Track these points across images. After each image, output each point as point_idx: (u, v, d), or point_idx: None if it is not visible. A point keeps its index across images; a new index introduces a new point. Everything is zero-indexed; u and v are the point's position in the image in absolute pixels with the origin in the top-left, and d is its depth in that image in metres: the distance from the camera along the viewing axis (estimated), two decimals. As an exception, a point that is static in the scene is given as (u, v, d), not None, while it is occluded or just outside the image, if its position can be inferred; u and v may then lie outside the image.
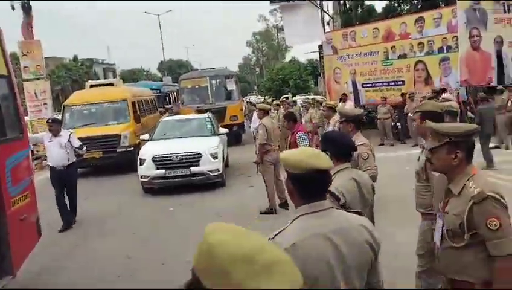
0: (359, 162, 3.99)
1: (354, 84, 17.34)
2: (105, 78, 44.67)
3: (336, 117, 7.93)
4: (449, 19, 14.51)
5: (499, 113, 12.32)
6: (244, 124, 18.91)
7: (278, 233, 1.79)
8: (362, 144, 4.09)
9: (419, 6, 23.18)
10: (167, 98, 23.42)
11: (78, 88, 19.62)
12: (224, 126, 12.47)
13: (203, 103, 16.87)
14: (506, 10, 14.28)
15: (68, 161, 7.55)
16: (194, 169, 9.05)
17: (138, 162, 9.31)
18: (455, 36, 14.16)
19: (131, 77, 51.00)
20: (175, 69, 63.97)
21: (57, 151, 7.48)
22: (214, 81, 18.21)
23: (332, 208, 1.92)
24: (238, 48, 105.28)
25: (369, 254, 1.84)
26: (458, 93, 14.16)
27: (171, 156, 9.02)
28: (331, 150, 2.74)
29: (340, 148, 2.97)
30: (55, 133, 7.52)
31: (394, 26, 16.25)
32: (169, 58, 63.31)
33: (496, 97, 12.89)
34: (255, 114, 12.90)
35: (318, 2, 19.28)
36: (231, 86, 17.97)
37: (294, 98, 25.08)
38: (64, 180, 7.59)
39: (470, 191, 2.31)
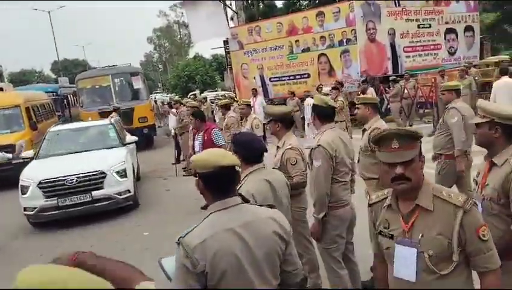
0: (287, 167, 3.39)
1: (262, 78, 16.15)
2: None
3: (253, 115, 6.98)
4: (347, 13, 13.93)
5: (394, 100, 12.06)
6: (156, 125, 16.07)
7: (189, 232, 1.72)
8: (290, 148, 3.45)
9: (316, 1, 22.71)
10: (65, 101, 19.34)
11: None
12: (133, 129, 10.09)
13: (106, 105, 13.57)
14: (397, 4, 14.10)
15: None
16: (96, 193, 6.43)
17: (19, 190, 6.43)
18: (353, 29, 13.70)
19: (21, 79, 42.94)
20: (71, 69, 54.65)
21: None
22: (117, 80, 14.85)
23: (242, 203, 1.84)
24: (138, 46, 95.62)
25: (277, 243, 1.80)
26: (359, 84, 13.59)
27: (64, 180, 6.31)
28: (241, 152, 2.58)
29: (250, 151, 2.68)
30: None
31: (297, 20, 15.28)
32: (64, 57, 54.80)
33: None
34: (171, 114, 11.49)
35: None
36: (138, 84, 14.64)
37: (203, 95, 23.09)
38: None
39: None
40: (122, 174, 6.80)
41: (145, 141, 13.61)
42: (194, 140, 5.70)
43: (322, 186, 3.23)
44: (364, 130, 4.00)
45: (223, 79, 41.75)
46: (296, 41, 15.11)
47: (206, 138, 5.44)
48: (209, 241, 1.68)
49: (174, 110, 11.45)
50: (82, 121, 10.99)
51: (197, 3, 16.08)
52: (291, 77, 15.44)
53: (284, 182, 2.85)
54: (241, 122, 7.13)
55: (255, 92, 13.65)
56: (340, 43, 14.20)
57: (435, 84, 11.27)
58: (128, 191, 6.84)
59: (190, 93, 28.18)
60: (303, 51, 15.03)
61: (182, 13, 60.90)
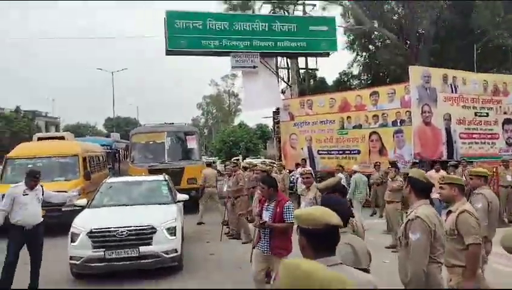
0: None
1: (310, 150, 16.03)
2: (47, 132, 38.19)
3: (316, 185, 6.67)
4: (402, 95, 13.81)
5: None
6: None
7: None
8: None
9: (369, 82, 23.08)
10: (117, 155, 19.81)
11: (18, 141, 15.73)
12: (180, 190, 9.33)
13: (157, 162, 13.52)
14: (454, 90, 13.90)
15: (42, 218, 6.05)
16: (143, 249, 6.10)
17: (69, 238, 6.24)
18: (408, 111, 13.45)
19: (76, 131, 45.12)
20: (122, 126, 57.88)
21: (34, 207, 5.88)
22: (171, 138, 14.46)
23: (342, 263, 1.87)
24: (187, 110, 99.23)
25: None
26: (397, 164, 13.09)
27: (114, 231, 6.10)
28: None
29: (340, 213, 2.37)
30: (34, 185, 5.93)
31: (350, 98, 15.36)
32: (118, 115, 57.46)
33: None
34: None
35: (277, 70, 18.18)
36: (192, 144, 14.32)
37: (252, 160, 22.89)
38: (30, 242, 5.86)
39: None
40: (172, 232, 6.52)
41: (191, 203, 12.94)
42: (261, 209, 4.91)
43: (419, 262, 2.94)
44: (449, 212, 3.72)
45: (266, 147, 42.38)
46: (348, 117, 15.06)
47: (278, 210, 4.70)
48: None
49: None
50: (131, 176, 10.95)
51: (255, 73, 16.64)
52: (340, 152, 15.21)
53: (366, 250, 2.84)
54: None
55: (304, 163, 13.56)
56: (394, 123, 13.96)
57: (497, 174, 10.63)
58: (176, 250, 6.50)
59: (233, 158, 28.48)
60: (354, 127, 14.88)
61: (233, 84, 64.16)
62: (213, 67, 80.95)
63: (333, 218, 1.85)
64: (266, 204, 4.86)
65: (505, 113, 14.60)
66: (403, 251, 3.18)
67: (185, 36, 16.13)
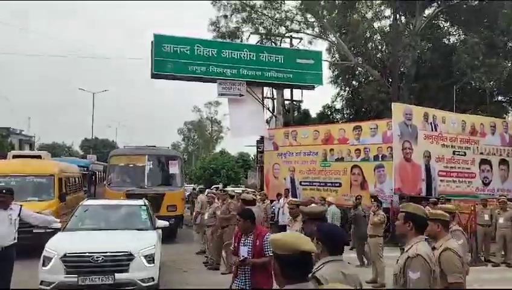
0: None
1: (292, 180, 16.09)
2: (20, 150, 36.66)
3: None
4: (384, 130, 14.10)
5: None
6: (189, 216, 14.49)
7: None
8: None
9: (350, 117, 23.49)
10: (94, 177, 18.95)
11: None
12: (159, 217, 8.74)
13: (135, 186, 12.77)
14: (434, 129, 14.23)
15: (14, 239, 5.75)
16: (119, 276, 5.84)
17: (41, 262, 5.91)
18: (389, 146, 13.69)
19: (51, 151, 43.77)
20: (99, 148, 55.43)
21: (4, 227, 5.62)
22: (152, 161, 13.68)
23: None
24: (168, 135, 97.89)
25: None
26: (392, 200, 13.22)
27: (90, 256, 5.83)
28: (327, 242, 2.69)
29: (336, 242, 2.76)
30: (6, 206, 5.73)
31: (334, 130, 15.64)
32: (95, 136, 54.64)
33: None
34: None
35: (263, 100, 18.36)
36: (174, 169, 13.60)
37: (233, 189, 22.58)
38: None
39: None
40: (150, 259, 6.28)
41: (168, 233, 11.73)
42: (238, 244, 4.49)
43: None
44: (433, 248, 3.55)
45: (247, 176, 42.15)
46: (331, 150, 15.22)
47: (257, 243, 4.33)
48: None
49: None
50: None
51: (242, 101, 16.76)
52: (322, 184, 15.31)
53: (358, 281, 2.81)
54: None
55: (287, 193, 13.56)
56: (375, 157, 14.16)
57: (474, 213, 10.78)
58: (153, 279, 6.24)
59: (213, 186, 28.17)
60: (337, 160, 15.03)
61: (216, 111, 64.41)
62: (197, 94, 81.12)
63: (306, 245, 1.85)
64: (243, 239, 4.44)
65: (481, 153, 14.99)
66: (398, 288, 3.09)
67: (171, 60, 16.19)
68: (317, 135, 15.75)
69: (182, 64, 16.31)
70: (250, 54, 17.26)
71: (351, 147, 14.71)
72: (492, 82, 19.98)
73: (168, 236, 11.61)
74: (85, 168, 17.80)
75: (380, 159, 14.02)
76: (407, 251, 3.07)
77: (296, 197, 15.18)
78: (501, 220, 10.05)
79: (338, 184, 14.87)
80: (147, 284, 6.12)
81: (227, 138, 63.68)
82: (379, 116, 18.44)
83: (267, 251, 4.18)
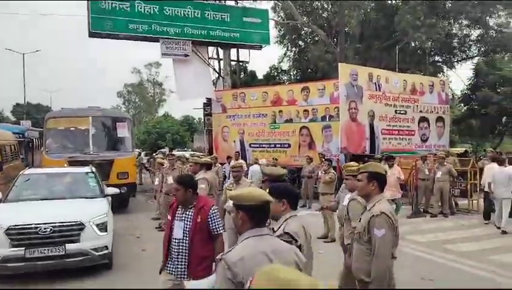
0: None
1: (242, 143, 16.13)
2: None
3: (247, 180, 7.04)
4: (331, 91, 14.38)
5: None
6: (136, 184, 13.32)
7: (229, 251, 2.11)
8: None
9: (298, 78, 23.66)
10: (31, 144, 17.44)
11: None
12: (109, 186, 8.11)
13: (78, 152, 11.43)
14: (377, 88, 14.74)
15: None
16: (70, 247, 5.60)
17: None
18: (336, 107, 14.03)
19: None
20: (33, 114, 51.45)
21: None
22: (98, 124, 12.29)
23: (269, 234, 2.25)
24: (106, 98, 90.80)
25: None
26: (338, 159, 13.75)
27: (36, 228, 5.50)
28: (289, 199, 2.92)
29: (295, 198, 3.06)
30: None
31: (282, 92, 15.68)
32: (28, 101, 50.01)
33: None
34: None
35: (209, 60, 17.92)
36: (123, 132, 12.32)
37: (179, 153, 22.27)
38: None
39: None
40: (103, 227, 6.10)
41: (119, 203, 10.70)
42: (172, 219, 3.73)
43: (385, 260, 2.98)
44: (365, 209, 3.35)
45: (193, 140, 41.71)
46: (280, 111, 15.36)
47: (199, 219, 3.60)
48: (247, 259, 2.01)
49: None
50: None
51: (187, 62, 16.26)
52: (271, 145, 15.50)
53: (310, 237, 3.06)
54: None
55: (237, 155, 13.57)
56: (323, 118, 14.51)
57: (416, 168, 11.49)
58: (106, 247, 6.10)
59: (159, 150, 27.60)
60: (286, 121, 15.23)
61: (157, 72, 62.21)
62: (136, 54, 77.31)
63: (268, 196, 2.27)
64: (179, 212, 3.71)
65: (420, 111, 15.84)
66: (362, 246, 3.14)
67: (110, 18, 15.24)
68: (266, 97, 15.77)
69: (121, 22, 15.41)
70: (194, 12, 16.61)
71: (300, 108, 14.94)
72: (431, 42, 20.89)
73: (120, 206, 11.04)
74: (20, 135, 16.60)
75: (327, 120, 14.39)
76: (369, 209, 3.14)
77: (246, 160, 15.39)
78: (439, 174, 10.83)
79: (287, 145, 15.15)
80: (100, 253, 5.97)
81: (171, 101, 62.39)
82: (326, 77, 18.75)
83: (217, 227, 3.63)
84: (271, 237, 2.25)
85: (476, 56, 24.38)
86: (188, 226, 3.61)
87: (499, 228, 8.75)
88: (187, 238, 3.60)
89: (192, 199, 3.69)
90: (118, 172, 11.57)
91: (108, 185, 8.44)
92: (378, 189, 3.19)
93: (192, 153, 21.48)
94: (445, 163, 11.18)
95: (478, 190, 11.11)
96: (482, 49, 23.97)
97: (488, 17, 22.36)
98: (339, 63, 15.10)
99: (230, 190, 5.82)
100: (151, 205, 11.86)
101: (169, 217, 3.82)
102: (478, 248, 7.37)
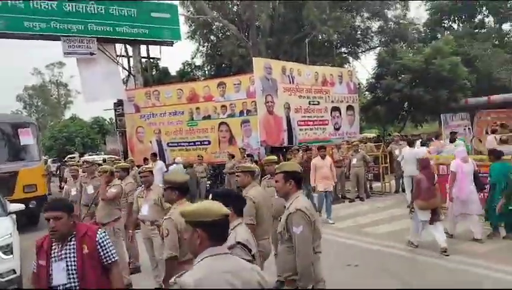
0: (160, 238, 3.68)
1: (159, 143, 15.63)
2: None
3: (159, 185, 6.31)
4: (247, 85, 14.53)
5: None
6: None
7: (183, 273, 1.92)
8: (168, 218, 3.60)
9: (212, 73, 23.45)
10: None
11: None
12: (14, 202, 7.34)
13: None
14: (291, 81, 15.17)
15: None
16: None
17: None
18: (254, 101, 14.18)
19: None
20: None
21: None
22: None
23: (229, 253, 2.05)
24: (4, 103, 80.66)
25: None
26: (259, 152, 13.97)
27: None
28: (235, 205, 2.85)
29: (241, 204, 2.99)
30: None
31: (198, 88, 15.46)
32: None
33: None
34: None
35: (118, 58, 17.02)
36: (27, 139, 11.10)
37: (88, 157, 20.96)
38: None
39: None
40: (7, 250, 5.47)
41: (27, 219, 10.11)
42: (47, 260, 2.89)
43: (307, 255, 3.00)
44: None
45: (105, 142, 39.56)
46: (197, 108, 15.14)
47: (87, 249, 2.89)
48: (204, 280, 1.84)
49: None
50: None
51: (93, 62, 15.28)
52: (191, 143, 15.25)
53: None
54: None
55: (154, 157, 13.05)
56: (241, 113, 14.61)
57: (332, 157, 12.03)
58: (14, 271, 5.47)
59: (68, 156, 25.86)
60: (204, 118, 15.07)
61: (61, 73, 57.94)
62: (38, 54, 71.15)
63: (224, 208, 2.04)
64: (56, 249, 2.90)
65: (332, 101, 16.63)
66: (284, 245, 3.17)
67: (2, 16, 13.79)
68: (181, 94, 15.43)
69: (15, 20, 14.02)
70: (98, 8, 15.66)
71: (217, 104, 14.86)
72: (337, 34, 22.01)
73: (29, 223, 10.19)
74: None
75: (246, 114, 14.52)
76: (288, 208, 3.17)
77: (165, 160, 14.95)
78: (354, 161, 11.48)
79: (207, 142, 15.02)
80: (7, 278, 5.34)
81: (78, 103, 58.53)
82: (240, 72, 18.86)
83: (110, 255, 2.97)
84: (231, 255, 2.06)
85: (377, 46, 26.25)
86: (72, 264, 2.84)
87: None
88: (74, 280, 2.83)
89: (72, 229, 2.93)
90: (24, 185, 10.49)
91: (12, 201, 7.59)
92: (295, 187, 3.23)
93: (109, 157, 20.31)
94: (359, 150, 11.87)
95: (389, 172, 11.98)
96: (383, 39, 25.85)
97: (386, 10, 24.17)
98: (253, 57, 15.25)
99: (142, 197, 5.49)
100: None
101: (39, 262, 2.92)
102: (395, 228, 7.92)
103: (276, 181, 3.29)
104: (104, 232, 3.06)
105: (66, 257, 2.87)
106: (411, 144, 10.48)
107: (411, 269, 5.84)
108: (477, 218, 6.86)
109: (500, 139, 10.04)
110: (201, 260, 1.95)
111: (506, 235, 6.78)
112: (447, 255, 6.12)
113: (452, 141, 10.58)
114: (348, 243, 7.33)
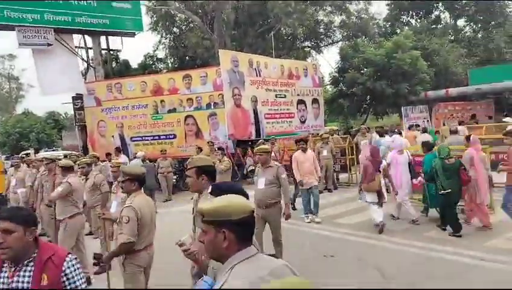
0: (121, 224, 3.65)
1: (122, 137, 15.16)
2: None
3: None
4: (214, 78, 14.35)
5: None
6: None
7: (219, 288, 1.64)
8: (129, 206, 3.70)
9: (176, 66, 22.97)
10: None
11: None
12: None
13: None
14: (258, 74, 15.11)
15: None
16: None
17: None
18: (221, 94, 14.03)
19: None
20: None
21: None
22: None
23: (258, 252, 1.80)
24: None
25: None
26: (227, 146, 13.86)
27: None
28: None
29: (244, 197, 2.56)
30: None
31: (162, 81, 15.08)
32: None
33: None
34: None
35: (77, 50, 16.29)
36: None
37: (43, 154, 20.04)
38: None
39: None
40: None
41: None
42: None
43: None
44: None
45: (61, 138, 37.94)
46: (162, 101, 14.78)
47: (45, 281, 2.27)
48: None
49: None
50: None
51: (51, 53, 14.54)
52: (155, 137, 14.88)
53: None
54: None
55: (117, 152, 12.66)
56: (208, 106, 14.41)
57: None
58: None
59: (22, 152, 24.60)
60: (169, 111, 14.74)
61: (11, 66, 55.00)
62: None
63: (252, 204, 1.81)
64: (5, 274, 2.30)
65: (298, 94, 16.73)
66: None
67: None
68: (144, 87, 14.99)
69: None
70: (55, -3, 14.91)
71: (183, 97, 14.58)
72: (302, 28, 22.15)
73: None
74: None
75: (213, 107, 14.34)
76: (198, 199, 3.30)
77: (128, 155, 14.52)
78: (324, 152, 11.58)
79: (172, 136, 14.72)
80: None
81: (30, 97, 55.85)
82: (205, 64, 18.61)
83: (75, 282, 2.34)
84: (260, 254, 1.79)
85: (340, 41, 26.69)
86: None
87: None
88: None
89: (31, 248, 2.29)
90: None
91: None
92: (208, 182, 3.27)
93: (68, 153, 19.45)
94: (328, 142, 12.00)
95: (355, 163, 12.20)
96: (345, 34, 26.29)
97: (348, 4, 24.57)
98: (219, 50, 15.06)
99: (114, 193, 5.32)
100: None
101: None
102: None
103: (189, 177, 3.31)
104: (76, 258, 2.40)
105: (16, 287, 2.23)
106: (382, 134, 11.22)
107: (387, 257, 5.95)
108: (409, 203, 7.79)
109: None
110: (234, 266, 1.71)
111: (438, 225, 7.17)
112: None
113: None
114: (323, 234, 7.38)
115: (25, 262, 2.28)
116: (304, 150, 8.39)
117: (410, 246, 6.30)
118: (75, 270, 2.35)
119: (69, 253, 2.40)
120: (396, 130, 12.98)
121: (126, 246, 3.62)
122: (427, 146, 7.84)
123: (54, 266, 2.28)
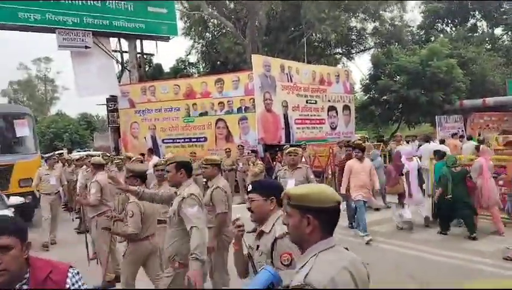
0: (127, 218, 4.24)
1: (154, 139, 15.43)
2: None
3: None
4: (246, 82, 14.45)
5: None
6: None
7: (307, 274, 1.59)
8: (133, 201, 4.23)
9: (207, 70, 23.30)
10: None
11: None
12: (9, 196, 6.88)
13: None
14: (289, 79, 15.14)
15: None
16: None
17: None
18: (252, 98, 14.11)
19: None
20: None
21: None
22: None
23: (338, 244, 1.79)
24: None
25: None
26: (257, 150, 13.87)
27: None
28: (277, 196, 2.51)
29: (278, 195, 2.61)
30: None
31: (195, 84, 15.35)
32: None
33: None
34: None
35: (113, 53, 16.75)
36: (23, 130, 10.42)
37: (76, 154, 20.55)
38: None
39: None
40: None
41: (23, 216, 8.68)
42: None
43: (204, 231, 3.53)
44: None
45: (93, 139, 39.05)
46: (194, 104, 15.00)
47: None
48: (337, 279, 1.61)
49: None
50: None
51: (88, 55, 15.01)
52: (186, 140, 15.10)
53: None
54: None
55: (150, 153, 12.89)
56: (239, 110, 14.51)
57: (333, 154, 12.03)
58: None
59: (56, 152, 25.38)
60: (200, 114, 14.94)
61: (47, 68, 57.04)
62: (24, 49, 69.86)
63: (338, 196, 1.82)
64: None
65: (329, 101, 16.66)
66: (172, 229, 3.54)
67: (-4, 6, 13.51)
68: (177, 90, 15.28)
69: (9, 11, 13.71)
70: (94, 1, 15.42)
71: (214, 101, 14.75)
72: (335, 34, 22.08)
73: (25, 219, 9.37)
74: None
75: (243, 111, 14.43)
76: (179, 194, 3.54)
77: (160, 157, 14.75)
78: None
79: (203, 139, 14.88)
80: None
81: (64, 98, 57.73)
82: (236, 69, 18.76)
83: None
84: (339, 246, 1.78)
85: (372, 48, 26.40)
86: None
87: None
88: None
89: (24, 267, 1.82)
90: (19, 179, 9.79)
91: (8, 195, 7.30)
92: (186, 176, 3.61)
93: (101, 153, 19.92)
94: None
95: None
96: (377, 41, 26.01)
97: (382, 11, 24.32)
98: (252, 54, 15.23)
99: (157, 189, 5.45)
100: (63, 216, 10.52)
101: None
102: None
103: (168, 171, 3.64)
104: (78, 273, 1.97)
105: None
106: (428, 140, 11.74)
107: (429, 268, 5.81)
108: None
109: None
110: (318, 254, 1.70)
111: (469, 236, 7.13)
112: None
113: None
114: (356, 241, 7.26)
115: (18, 285, 1.78)
116: (361, 159, 7.37)
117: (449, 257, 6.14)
118: (81, 286, 1.94)
119: (70, 266, 1.96)
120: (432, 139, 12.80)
121: (130, 236, 4.23)
122: (439, 155, 8.16)
123: (55, 285, 1.85)
